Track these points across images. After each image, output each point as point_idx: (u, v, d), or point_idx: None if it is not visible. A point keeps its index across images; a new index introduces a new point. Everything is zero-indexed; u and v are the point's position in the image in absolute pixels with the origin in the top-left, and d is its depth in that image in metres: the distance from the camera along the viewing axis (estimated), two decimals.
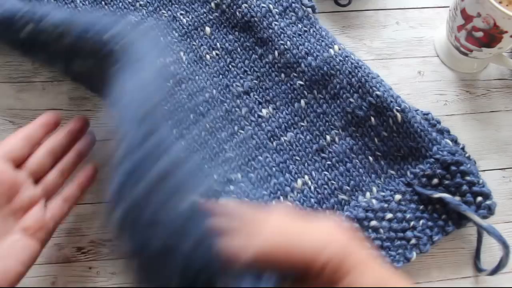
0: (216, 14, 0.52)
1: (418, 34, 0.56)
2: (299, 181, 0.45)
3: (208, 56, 0.50)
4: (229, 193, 0.43)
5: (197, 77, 0.49)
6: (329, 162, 0.46)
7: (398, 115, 0.45)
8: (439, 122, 0.48)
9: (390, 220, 0.43)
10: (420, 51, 0.55)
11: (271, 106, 0.48)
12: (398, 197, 0.44)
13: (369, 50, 0.54)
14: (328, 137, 0.47)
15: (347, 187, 0.45)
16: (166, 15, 0.52)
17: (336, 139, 0.47)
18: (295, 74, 0.48)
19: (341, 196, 0.45)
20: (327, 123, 0.47)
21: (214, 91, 0.48)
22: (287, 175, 0.45)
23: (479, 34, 0.47)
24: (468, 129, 0.51)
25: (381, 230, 0.43)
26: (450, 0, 0.51)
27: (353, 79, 0.47)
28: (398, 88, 0.52)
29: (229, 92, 0.48)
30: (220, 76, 0.49)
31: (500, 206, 0.47)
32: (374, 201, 0.44)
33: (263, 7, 0.50)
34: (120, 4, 0.53)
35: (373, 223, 0.43)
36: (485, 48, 0.49)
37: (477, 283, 0.45)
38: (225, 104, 0.48)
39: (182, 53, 0.50)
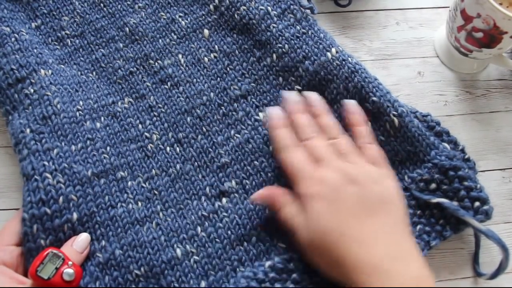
0: (215, 16, 0.51)
1: (418, 34, 0.55)
2: None
3: (206, 59, 0.49)
4: (220, 208, 0.43)
5: (195, 79, 0.48)
6: None
7: (395, 119, 0.44)
8: (438, 124, 0.46)
9: None
10: (420, 51, 0.54)
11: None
12: None
13: (369, 51, 0.54)
14: None
15: None
16: (165, 17, 0.52)
17: None
18: (293, 79, 0.47)
19: None
20: None
21: (212, 94, 0.47)
22: (283, 180, 0.43)
23: (479, 34, 0.47)
24: (468, 130, 0.50)
25: None
26: (450, 1, 0.50)
27: (349, 85, 0.45)
28: (398, 89, 0.52)
29: (226, 95, 0.47)
30: (218, 78, 0.48)
31: (500, 206, 0.47)
32: None
33: (261, 9, 0.49)
34: (119, 6, 0.52)
35: None
36: (485, 49, 0.48)
37: (476, 283, 0.44)
38: (223, 107, 0.47)
39: (180, 56, 0.49)
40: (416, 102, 0.51)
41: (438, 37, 0.55)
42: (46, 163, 0.41)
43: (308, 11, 0.50)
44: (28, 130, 0.42)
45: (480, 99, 0.52)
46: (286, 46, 0.48)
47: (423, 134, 0.44)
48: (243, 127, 0.46)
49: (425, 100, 0.52)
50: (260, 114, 0.47)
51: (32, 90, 0.44)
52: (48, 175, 0.40)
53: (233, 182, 0.44)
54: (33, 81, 0.44)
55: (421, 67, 0.53)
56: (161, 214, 0.42)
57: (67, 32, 0.50)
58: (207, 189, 0.44)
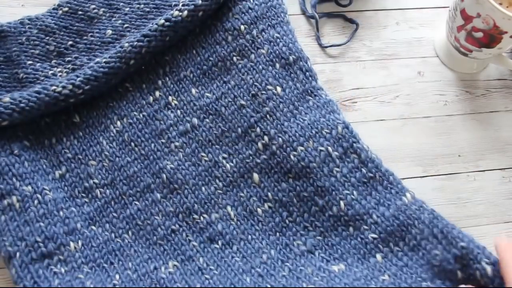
0: (264, 156, 0.42)
1: (418, 34, 0.53)
2: None
3: (259, 210, 0.41)
4: None
5: (249, 236, 0.40)
6: None
7: (488, 268, 0.36)
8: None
9: None
10: (420, 51, 0.52)
11: (342, 263, 0.39)
12: None
13: (369, 51, 0.52)
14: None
15: None
16: (206, 158, 0.43)
17: None
18: (365, 227, 0.40)
19: None
20: (413, 276, 0.39)
21: (273, 251, 0.40)
22: None
23: (479, 34, 0.46)
24: (468, 129, 0.49)
25: None
26: (450, 1, 0.49)
27: (434, 230, 0.39)
28: (398, 89, 0.50)
29: (290, 251, 0.40)
30: (277, 233, 0.41)
31: (500, 206, 0.46)
32: None
33: (321, 150, 0.41)
34: (152, 145, 0.43)
35: None
36: (485, 49, 0.47)
37: None
38: (287, 264, 0.39)
39: (229, 208, 0.41)
40: (416, 102, 0.50)
41: (438, 37, 0.53)
42: None
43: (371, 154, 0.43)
44: None
45: (480, 99, 0.52)
46: (355, 192, 0.40)
47: None
48: (316, 279, 0.39)
49: (425, 100, 0.50)
50: (334, 267, 0.39)
51: (62, 270, 0.38)
52: None
53: None
54: (61, 257, 0.38)
55: (421, 67, 0.52)
56: None
57: (95, 181, 0.42)
58: None
